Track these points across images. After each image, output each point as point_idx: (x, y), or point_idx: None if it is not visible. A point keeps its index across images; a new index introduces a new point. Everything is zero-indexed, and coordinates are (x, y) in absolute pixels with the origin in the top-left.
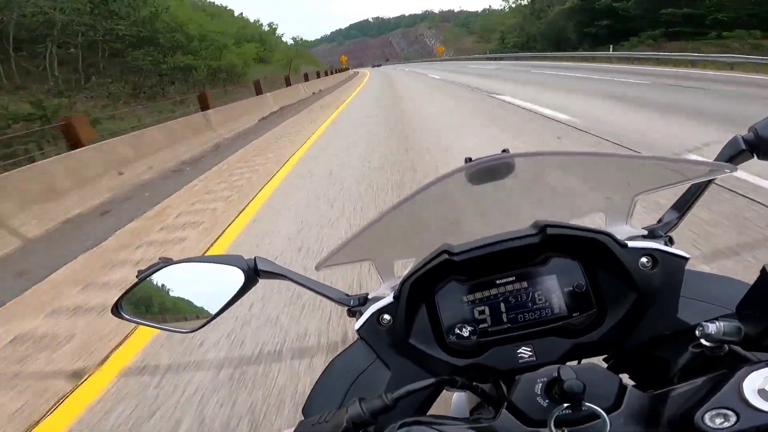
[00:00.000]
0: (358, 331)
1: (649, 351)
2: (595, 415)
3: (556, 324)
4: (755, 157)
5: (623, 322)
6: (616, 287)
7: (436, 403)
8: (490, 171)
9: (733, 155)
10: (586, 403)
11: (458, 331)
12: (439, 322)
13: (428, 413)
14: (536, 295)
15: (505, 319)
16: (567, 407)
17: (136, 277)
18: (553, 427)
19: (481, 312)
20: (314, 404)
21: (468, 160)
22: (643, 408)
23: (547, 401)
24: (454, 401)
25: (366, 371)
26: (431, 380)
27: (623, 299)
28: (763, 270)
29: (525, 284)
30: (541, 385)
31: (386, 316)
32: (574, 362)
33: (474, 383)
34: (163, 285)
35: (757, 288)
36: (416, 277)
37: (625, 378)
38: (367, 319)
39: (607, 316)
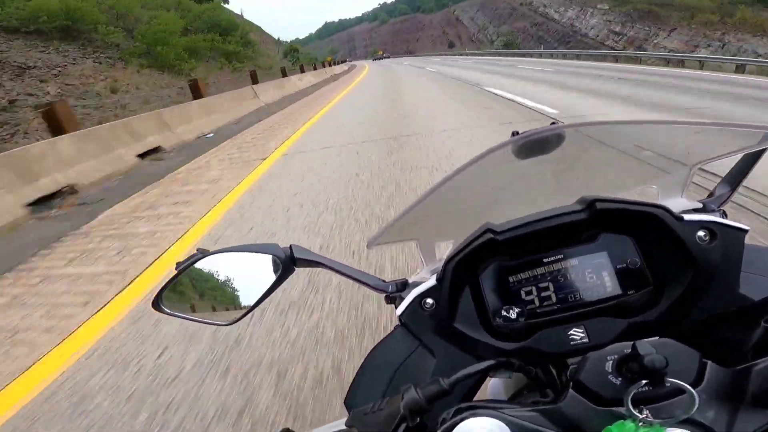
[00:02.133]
0: (400, 316)
1: (710, 329)
2: (676, 392)
3: (609, 303)
4: None
5: (682, 299)
6: (672, 263)
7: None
8: (539, 144)
9: None
10: (669, 379)
11: (505, 314)
12: (484, 305)
13: (474, 399)
14: (586, 274)
15: (554, 300)
16: (645, 384)
17: (175, 269)
18: (630, 405)
19: (529, 293)
20: (357, 395)
21: (515, 133)
22: (726, 384)
23: (619, 379)
24: (490, 387)
25: (408, 359)
26: (488, 363)
27: (681, 275)
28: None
29: (574, 262)
30: (611, 362)
31: (429, 300)
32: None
33: (532, 368)
34: (201, 276)
35: None
36: (460, 257)
37: None
38: (409, 304)
39: (664, 293)
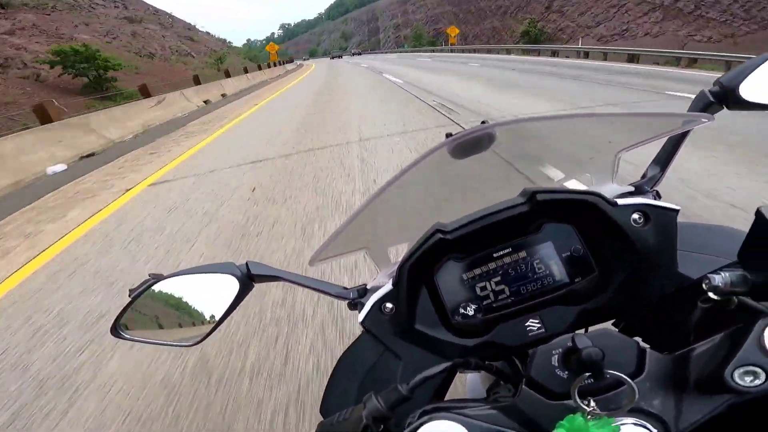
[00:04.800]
0: (362, 323)
1: (658, 312)
2: (620, 382)
3: (560, 292)
4: (725, 108)
5: (626, 283)
6: (613, 248)
7: (452, 386)
8: (472, 143)
9: (702, 108)
10: (609, 371)
11: (463, 311)
12: (442, 304)
13: (446, 397)
14: (535, 264)
15: (507, 293)
16: (589, 377)
17: (129, 296)
18: (577, 398)
19: (483, 288)
20: (330, 403)
21: (448, 135)
22: (667, 370)
23: (566, 372)
24: (468, 382)
25: (377, 363)
26: (444, 365)
27: (622, 259)
28: (758, 212)
29: (523, 254)
30: (557, 356)
31: (388, 305)
32: (583, 330)
33: (488, 362)
34: (158, 300)
35: (756, 233)
36: (413, 260)
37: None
38: (369, 310)
39: (609, 278)
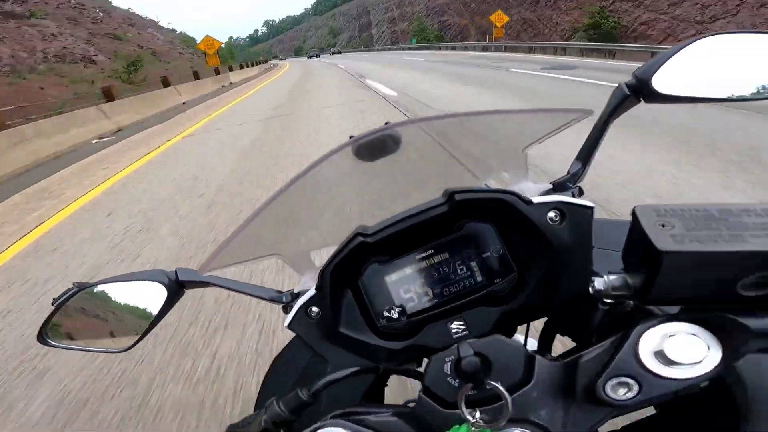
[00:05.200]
0: (288, 327)
1: (576, 312)
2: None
3: (482, 293)
4: (642, 101)
5: (544, 281)
6: (531, 247)
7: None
8: (377, 145)
9: (619, 101)
10: (490, 381)
11: (387, 314)
12: (367, 307)
13: (385, 400)
14: (457, 266)
15: (431, 295)
16: (473, 386)
17: (52, 304)
18: (464, 409)
19: (407, 291)
20: (262, 404)
21: (351, 137)
22: (555, 379)
23: (457, 381)
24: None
25: (308, 365)
26: (351, 370)
27: (540, 258)
28: (633, 213)
29: (445, 256)
30: (449, 364)
31: (314, 309)
32: (520, 336)
33: (403, 367)
34: (85, 308)
35: (632, 234)
36: (334, 264)
37: (568, 340)
38: (295, 315)
39: (528, 278)
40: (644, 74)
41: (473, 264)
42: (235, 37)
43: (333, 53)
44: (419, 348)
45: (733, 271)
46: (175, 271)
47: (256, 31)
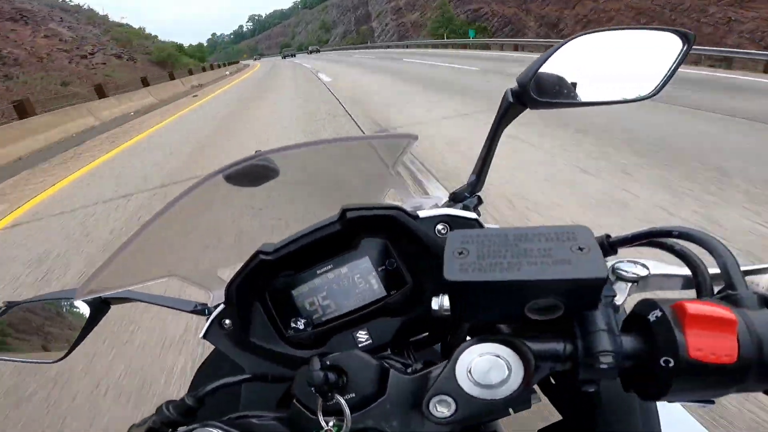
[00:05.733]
0: (203, 338)
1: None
2: (367, 401)
3: (380, 304)
4: (527, 107)
5: (437, 292)
6: (423, 259)
7: None
8: (252, 173)
9: (506, 108)
10: (336, 396)
11: (294, 325)
12: (275, 318)
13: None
14: (356, 279)
15: (333, 307)
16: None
17: None
18: (320, 417)
19: (312, 303)
20: None
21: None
22: (406, 392)
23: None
24: None
25: (228, 373)
26: (241, 377)
27: (432, 270)
28: (447, 238)
29: (345, 270)
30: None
31: (227, 321)
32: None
33: (282, 375)
34: (16, 324)
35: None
36: (239, 280)
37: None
38: (209, 327)
39: (422, 289)
40: (523, 80)
41: (371, 277)
42: (218, 34)
43: (311, 52)
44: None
45: (514, 298)
46: None
47: (241, 27)
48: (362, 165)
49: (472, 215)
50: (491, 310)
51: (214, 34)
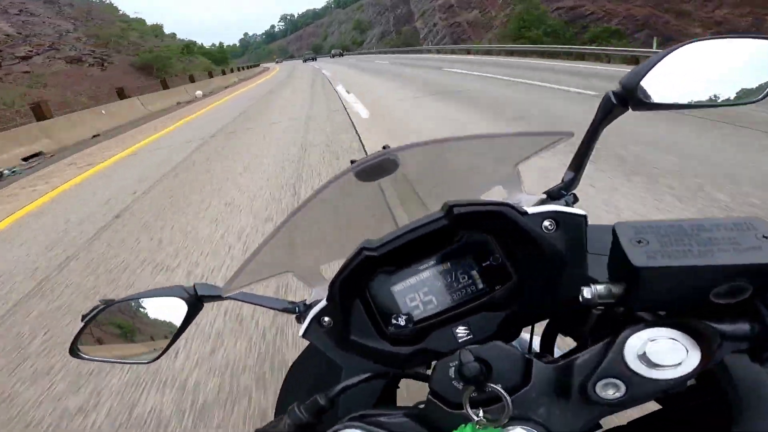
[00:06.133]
0: (303, 336)
1: (573, 315)
2: (509, 392)
3: (483, 299)
4: (630, 109)
5: (543, 286)
6: (528, 254)
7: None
8: (376, 168)
9: (607, 111)
10: (491, 384)
11: (395, 321)
12: (376, 316)
13: (397, 403)
14: (459, 275)
15: (435, 302)
16: (475, 389)
17: (81, 320)
18: (468, 409)
19: (413, 299)
20: (284, 407)
21: (352, 162)
22: (551, 381)
23: (461, 384)
24: None
25: (323, 372)
26: (365, 375)
27: (538, 265)
28: (613, 230)
29: (447, 266)
30: (453, 368)
31: (326, 318)
32: (526, 334)
33: (413, 371)
34: (112, 323)
35: (613, 248)
36: (342, 277)
37: (568, 339)
38: (308, 325)
39: (526, 284)
40: (630, 83)
41: (474, 272)
42: (250, 34)
43: (333, 56)
44: (427, 352)
45: (703, 282)
46: (194, 286)
47: (273, 27)
48: (476, 161)
49: (581, 212)
50: (674, 294)
51: (246, 34)
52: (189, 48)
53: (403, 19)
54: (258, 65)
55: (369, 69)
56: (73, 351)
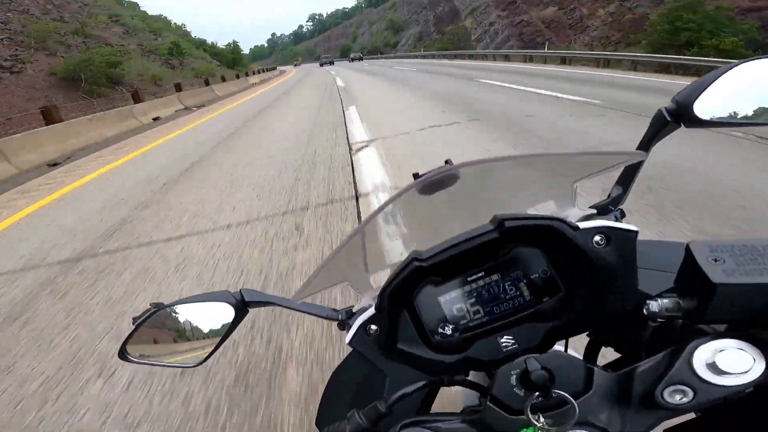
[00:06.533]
0: (349, 343)
1: (622, 327)
2: (566, 401)
3: (530, 311)
4: (682, 125)
5: (590, 300)
6: (577, 268)
7: (449, 396)
8: (438, 183)
9: (660, 127)
10: (556, 390)
11: (441, 330)
12: (422, 325)
13: (437, 408)
14: (507, 286)
15: (482, 313)
16: (538, 395)
17: (132, 324)
18: (530, 414)
19: (459, 309)
20: (324, 416)
21: (415, 176)
22: (612, 388)
23: (523, 390)
24: (462, 392)
25: (366, 379)
26: (421, 383)
27: (587, 278)
28: (687, 248)
29: (495, 277)
30: (515, 376)
31: (373, 327)
32: (562, 344)
33: (464, 378)
34: (161, 326)
35: (685, 265)
36: (392, 287)
37: (610, 351)
38: (355, 332)
39: (575, 297)
40: (685, 100)
41: (522, 284)
42: (278, 35)
43: (353, 60)
44: (469, 361)
45: None
46: (240, 292)
47: (301, 27)
48: (533, 177)
49: (633, 227)
50: (746, 309)
51: (273, 35)
52: (178, 48)
53: (445, 17)
54: (275, 68)
55: (408, 84)
56: (122, 353)
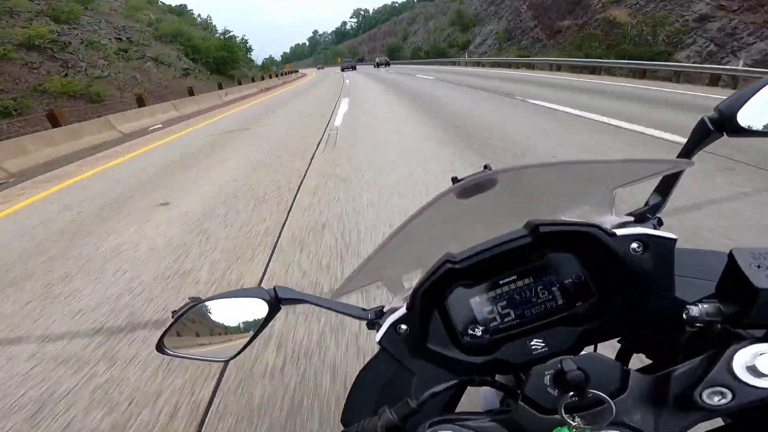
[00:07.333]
0: (379, 342)
1: (656, 333)
2: (601, 401)
3: (562, 314)
4: (725, 135)
5: (624, 307)
6: (612, 274)
7: (469, 397)
8: (476, 187)
9: (702, 136)
10: (591, 390)
11: (471, 332)
12: (452, 326)
13: (457, 409)
14: (539, 290)
15: (513, 316)
16: (573, 395)
17: (172, 316)
18: (564, 414)
19: (490, 311)
20: (350, 413)
21: (454, 180)
22: (648, 389)
23: (556, 391)
24: (483, 394)
25: (393, 378)
26: (452, 382)
27: (621, 285)
28: (730, 255)
29: (528, 281)
30: (549, 376)
31: (403, 326)
32: (589, 348)
33: (493, 379)
34: (197, 320)
35: (728, 271)
36: (425, 287)
37: (642, 357)
38: (386, 331)
39: (608, 303)
40: (729, 109)
41: (554, 289)
42: (320, 33)
43: (378, 65)
44: (500, 362)
45: None
46: (274, 288)
47: (344, 24)
48: (571, 183)
49: (671, 235)
50: None
51: (315, 32)
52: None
53: (555, 8)
54: (297, 71)
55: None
56: (160, 346)
